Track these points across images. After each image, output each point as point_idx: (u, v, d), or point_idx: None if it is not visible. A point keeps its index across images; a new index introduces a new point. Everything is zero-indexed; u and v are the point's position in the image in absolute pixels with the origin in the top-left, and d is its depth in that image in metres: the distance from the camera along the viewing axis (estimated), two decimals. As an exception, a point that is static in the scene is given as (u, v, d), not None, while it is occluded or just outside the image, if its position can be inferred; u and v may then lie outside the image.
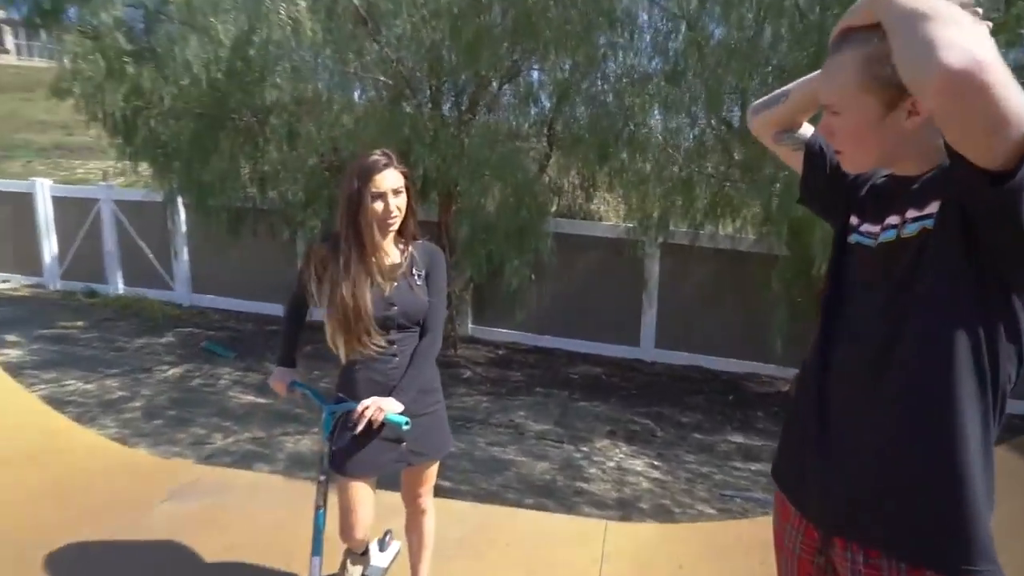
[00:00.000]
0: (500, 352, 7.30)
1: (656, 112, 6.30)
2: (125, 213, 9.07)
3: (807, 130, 1.42)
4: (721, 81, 5.95)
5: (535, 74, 6.37)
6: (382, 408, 1.99)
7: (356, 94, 6.23)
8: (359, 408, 1.99)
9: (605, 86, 6.29)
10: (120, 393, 5.76)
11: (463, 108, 6.36)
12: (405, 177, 2.03)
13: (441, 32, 5.86)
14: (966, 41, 0.86)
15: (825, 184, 1.36)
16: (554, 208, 7.23)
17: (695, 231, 6.32)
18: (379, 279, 2.02)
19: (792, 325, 5.84)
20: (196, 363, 6.47)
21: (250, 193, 6.70)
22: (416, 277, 2.08)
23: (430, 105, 6.21)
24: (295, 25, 5.42)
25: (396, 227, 2.04)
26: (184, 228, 8.59)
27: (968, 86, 0.86)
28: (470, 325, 7.67)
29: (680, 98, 6.10)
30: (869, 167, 1.21)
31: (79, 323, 7.83)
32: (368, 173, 1.97)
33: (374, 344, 2.03)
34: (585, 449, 4.92)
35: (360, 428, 1.99)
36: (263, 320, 8.24)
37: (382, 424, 2.02)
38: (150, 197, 8.02)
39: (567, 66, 6.16)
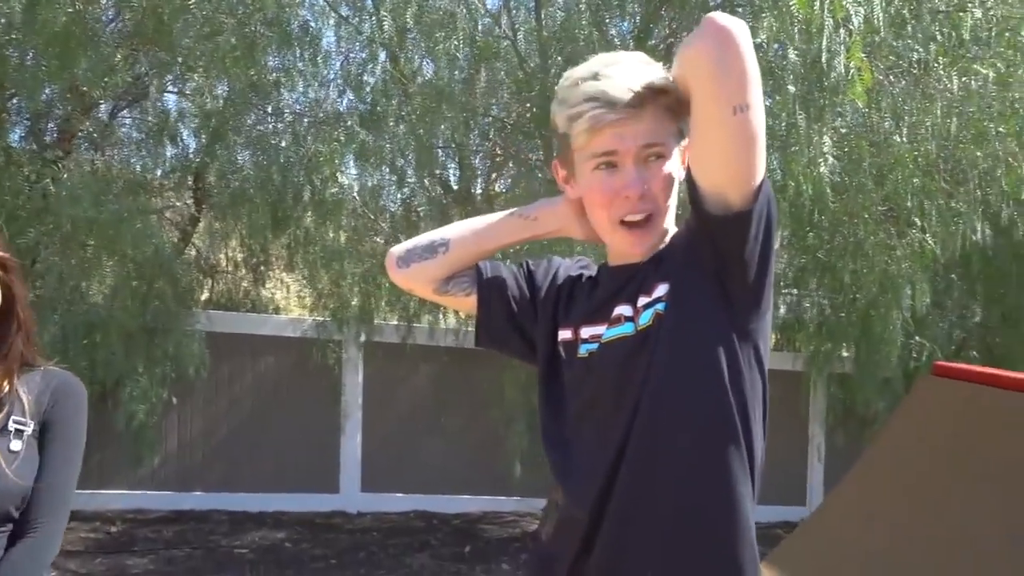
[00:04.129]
0: (113, 529, 6.06)
1: (351, 164, 5.63)
2: None
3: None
4: (433, 130, 5.52)
5: (172, 99, 5.43)
6: None
7: None
8: None
9: (279, 125, 5.46)
10: None
11: (49, 140, 5.12)
12: (3, 267, 1.62)
13: (5, 18, 4.52)
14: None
15: (506, 318, 1.43)
16: (205, 295, 6.51)
17: (408, 325, 6.10)
18: None
19: (533, 442, 5.76)
20: None
21: None
22: (14, 434, 1.63)
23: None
24: None
25: None
26: None
27: (731, 37, 1.09)
28: (62, 490, 6.01)
29: (381, 148, 5.51)
30: (658, 237, 1.28)
31: None
32: None
33: None
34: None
35: None
36: None
37: None
38: None
39: (221, 92, 5.20)
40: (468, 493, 6.67)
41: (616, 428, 1.22)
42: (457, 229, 1.45)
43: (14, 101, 4.87)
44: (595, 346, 1.28)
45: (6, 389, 1.66)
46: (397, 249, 1.47)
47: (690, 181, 1.18)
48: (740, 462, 1.19)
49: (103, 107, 5.20)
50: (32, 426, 1.68)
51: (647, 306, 1.22)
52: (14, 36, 4.48)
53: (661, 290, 1.21)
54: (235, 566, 5.38)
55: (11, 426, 1.66)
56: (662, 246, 1.27)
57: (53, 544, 1.67)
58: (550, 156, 5.09)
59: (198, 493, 6.44)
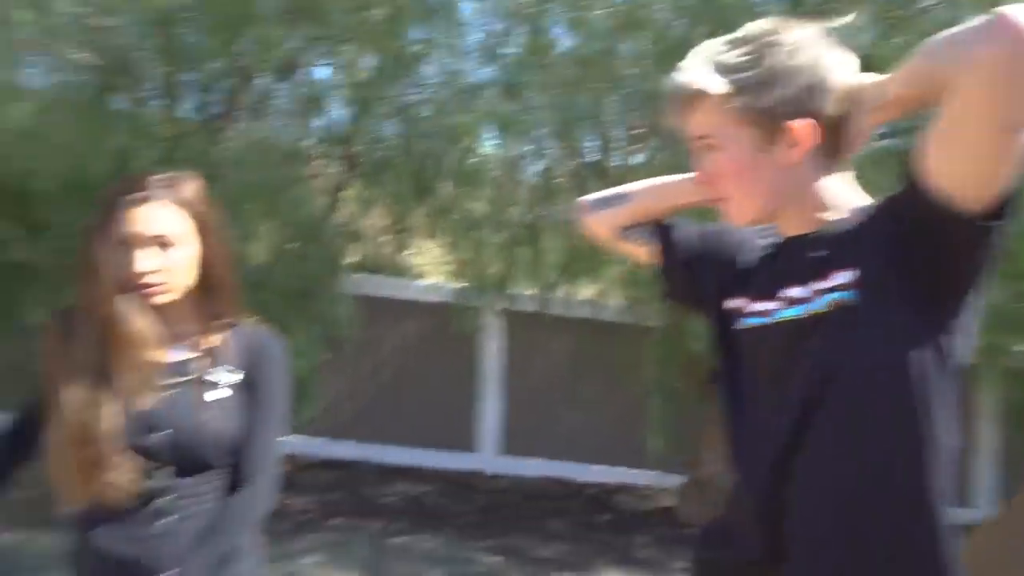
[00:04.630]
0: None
1: (491, 136, 5.69)
2: None
3: None
4: (573, 102, 5.46)
5: (320, 71, 5.58)
6: None
7: (31, 74, 4.90)
8: None
9: (422, 95, 5.52)
10: None
11: (215, 111, 5.30)
12: (199, 219, 1.61)
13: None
14: None
15: (685, 271, 1.47)
16: (350, 260, 6.50)
17: (546, 294, 5.96)
18: (131, 382, 1.58)
19: (671, 417, 5.62)
20: None
21: None
22: (218, 385, 1.65)
23: (164, 101, 5.16)
24: None
25: (165, 297, 1.61)
26: None
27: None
28: (227, 434, 6.37)
29: (521, 119, 5.49)
30: (757, 215, 1.27)
31: None
32: (111, 206, 1.57)
33: (118, 487, 1.55)
34: (410, 607, 4.51)
35: None
36: None
37: None
38: None
39: (368, 65, 5.34)
40: (604, 463, 6.58)
41: (787, 411, 1.17)
42: (641, 185, 1.58)
43: (184, 76, 5.07)
44: (764, 320, 1.25)
45: (204, 343, 1.67)
46: (587, 198, 1.61)
47: (926, 174, 1.06)
48: (926, 461, 1.12)
49: (261, 80, 5.33)
50: (232, 379, 1.69)
51: (824, 291, 1.16)
52: (187, 15, 4.73)
53: (844, 277, 1.14)
54: (383, 514, 5.58)
55: (214, 376, 1.68)
56: (836, 218, 1.19)
57: (257, 501, 1.64)
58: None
59: (350, 443, 6.56)
